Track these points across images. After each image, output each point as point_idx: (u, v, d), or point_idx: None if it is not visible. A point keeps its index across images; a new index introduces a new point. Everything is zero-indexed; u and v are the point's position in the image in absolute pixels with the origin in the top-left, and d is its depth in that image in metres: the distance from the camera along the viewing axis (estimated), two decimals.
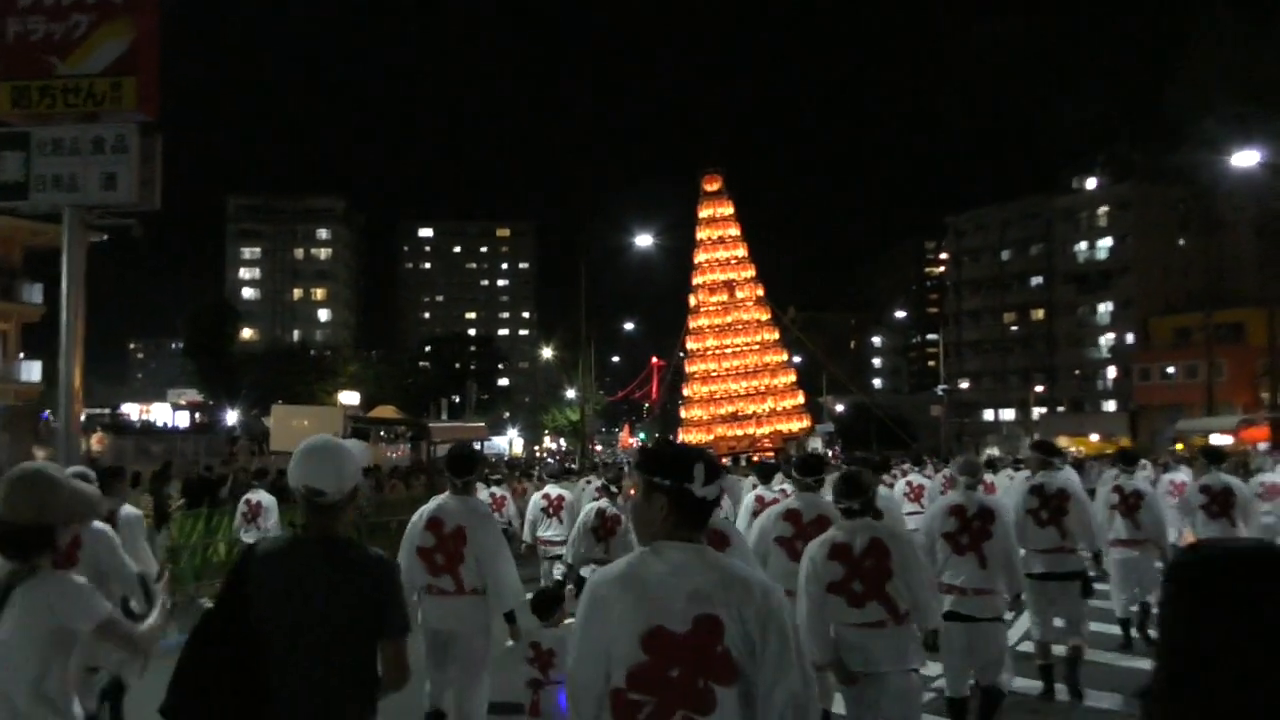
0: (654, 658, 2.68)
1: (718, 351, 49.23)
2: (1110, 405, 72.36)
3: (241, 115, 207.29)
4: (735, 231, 50.29)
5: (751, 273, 49.94)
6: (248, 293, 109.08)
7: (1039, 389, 75.25)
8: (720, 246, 49.82)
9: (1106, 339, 74.88)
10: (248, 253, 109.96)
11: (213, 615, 3.25)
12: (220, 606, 3.26)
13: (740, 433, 47.64)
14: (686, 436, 48.81)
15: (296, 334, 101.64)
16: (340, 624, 3.15)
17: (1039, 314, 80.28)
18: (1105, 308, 74.89)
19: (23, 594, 3.28)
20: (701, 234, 50.24)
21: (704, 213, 50.44)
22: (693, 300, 50.36)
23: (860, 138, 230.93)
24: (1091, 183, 76.73)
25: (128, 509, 7.43)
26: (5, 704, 3.27)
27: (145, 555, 6.98)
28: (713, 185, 50.59)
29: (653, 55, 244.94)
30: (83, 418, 43.67)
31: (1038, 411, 73.52)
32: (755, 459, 25.85)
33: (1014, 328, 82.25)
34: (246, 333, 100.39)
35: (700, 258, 50.27)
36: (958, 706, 6.53)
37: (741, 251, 49.99)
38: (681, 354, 51.02)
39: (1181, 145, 52.81)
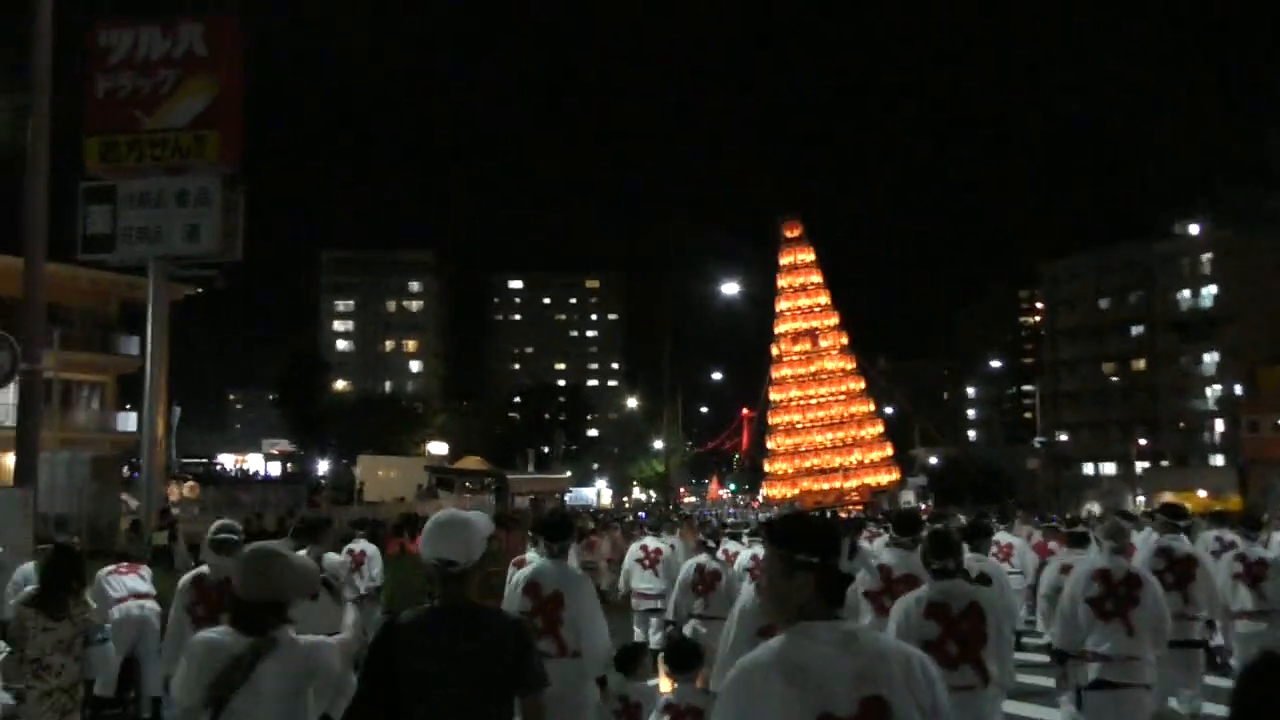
0: None
1: (802, 402, 48.01)
2: (1218, 459, 69.52)
3: (333, 169, 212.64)
4: (817, 279, 49.18)
5: (835, 320, 48.72)
6: (341, 344, 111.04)
7: (1141, 442, 72.64)
8: (802, 294, 48.80)
9: (1213, 390, 72.14)
10: (340, 305, 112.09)
11: (363, 684, 3.52)
12: (369, 675, 3.51)
13: (827, 486, 46.22)
14: (770, 490, 47.68)
15: (388, 385, 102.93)
16: (481, 684, 3.43)
17: (1140, 364, 77.77)
18: (1211, 357, 72.24)
19: (273, 663, 3.57)
20: (782, 281, 49.30)
21: (784, 259, 49.54)
22: (775, 350, 49.30)
23: (953, 183, 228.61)
24: (1194, 228, 74.46)
25: (331, 556, 8.22)
26: None
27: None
28: (793, 232, 49.58)
29: (738, 98, 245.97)
30: (175, 467, 44.22)
31: (1140, 466, 70.94)
32: (843, 514, 24.91)
33: (1114, 378, 79.76)
34: (340, 384, 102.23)
35: (782, 305, 49.29)
36: None
37: (824, 299, 48.82)
38: (766, 405, 49.80)
39: None
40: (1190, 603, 7.72)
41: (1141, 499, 58.81)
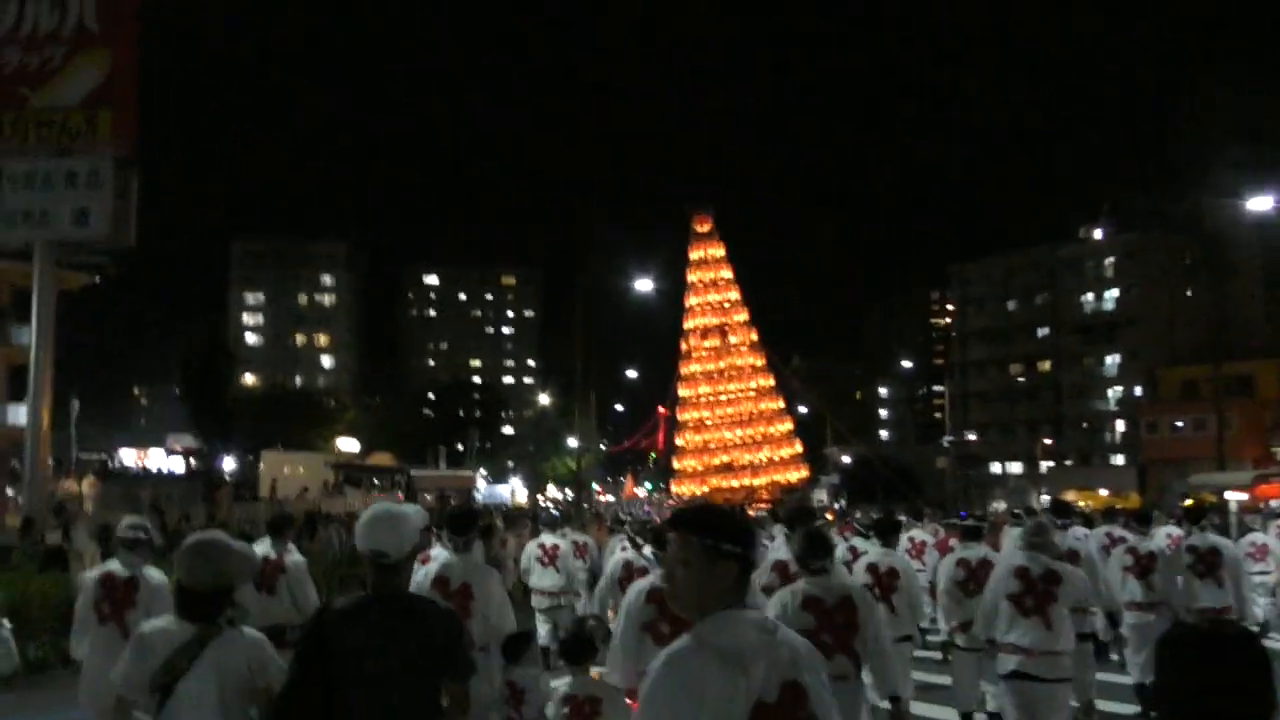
0: None
1: (711, 399, 47.57)
2: (1119, 459, 71.28)
3: (245, 159, 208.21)
4: (728, 274, 48.55)
5: (745, 316, 48.21)
6: (251, 338, 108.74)
7: (1046, 442, 74.23)
8: (712, 289, 48.23)
9: (1114, 391, 74.00)
10: (251, 298, 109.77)
11: (298, 667, 3.55)
12: (303, 658, 3.54)
13: (736, 484, 45.95)
14: (679, 488, 47.34)
15: (299, 379, 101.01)
16: (411, 670, 3.50)
17: (1045, 365, 79.51)
18: (1113, 359, 74.10)
19: (214, 650, 3.65)
20: (692, 276, 48.58)
21: (695, 254, 48.75)
22: (684, 345, 48.63)
23: (865, 184, 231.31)
24: (1098, 232, 76.29)
25: (294, 556, 8.52)
26: None
27: (312, 597, 8.18)
28: (703, 226, 48.87)
29: (656, 94, 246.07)
30: (73, 463, 42.73)
31: (1045, 465, 72.43)
32: (751, 512, 24.75)
33: (1020, 379, 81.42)
34: (249, 378, 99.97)
35: (691, 301, 48.60)
36: None
37: (735, 294, 48.26)
38: (675, 402, 49.29)
39: (1188, 193, 52.36)
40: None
41: (1046, 497, 59.93)
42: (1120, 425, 72.74)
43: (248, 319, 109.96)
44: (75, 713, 7.19)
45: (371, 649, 3.50)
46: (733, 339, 47.67)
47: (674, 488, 48.94)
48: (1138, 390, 70.41)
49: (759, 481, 45.95)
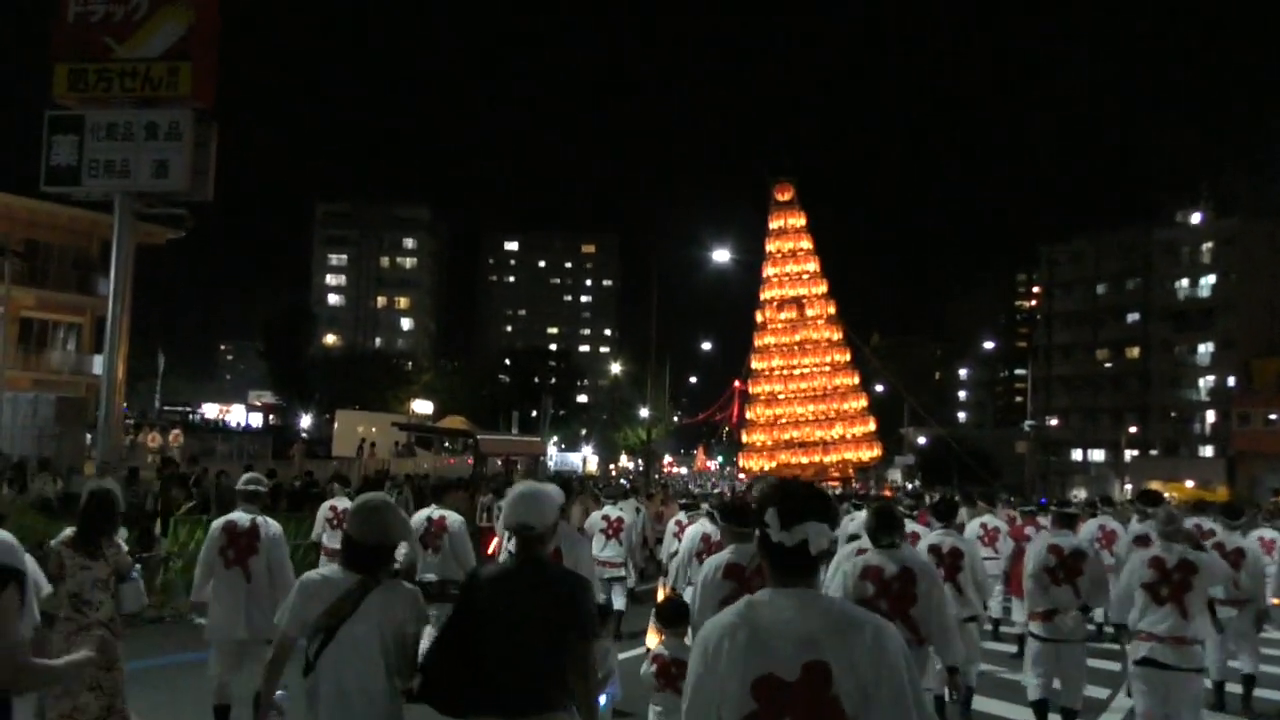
0: (764, 706, 2.67)
1: (784, 372, 46.10)
2: (1207, 450, 69.19)
3: (334, 124, 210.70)
4: (807, 245, 46.85)
5: (823, 289, 46.39)
6: (333, 299, 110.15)
7: (1131, 430, 72.28)
8: (790, 260, 46.62)
9: (1205, 381, 71.70)
10: (334, 259, 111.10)
11: (451, 622, 4.10)
12: (456, 615, 4.10)
13: (805, 460, 44.60)
14: (747, 463, 46.33)
15: (378, 341, 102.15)
16: (543, 627, 3.96)
17: (1134, 352, 77.31)
18: (1205, 348, 71.74)
19: (375, 598, 4.04)
20: (771, 246, 47.00)
21: (774, 224, 47.19)
22: (759, 317, 47.17)
23: (954, 162, 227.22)
24: (1196, 217, 73.74)
25: (454, 517, 9.44)
26: (361, 690, 3.97)
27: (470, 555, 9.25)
28: (784, 195, 47.25)
29: (745, 64, 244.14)
30: (155, 415, 43.53)
31: (1129, 454, 70.59)
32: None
33: (1107, 365, 79.30)
34: (330, 338, 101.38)
35: (769, 271, 46.99)
36: None
37: (813, 265, 46.49)
38: (747, 374, 48.08)
39: None
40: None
41: (1129, 487, 58.48)
42: (1210, 416, 70.51)
43: (330, 280, 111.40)
44: (198, 653, 7.92)
45: (512, 607, 4.00)
46: (810, 311, 46.08)
47: (742, 462, 47.99)
48: (1230, 380, 68.12)
49: (830, 459, 44.57)
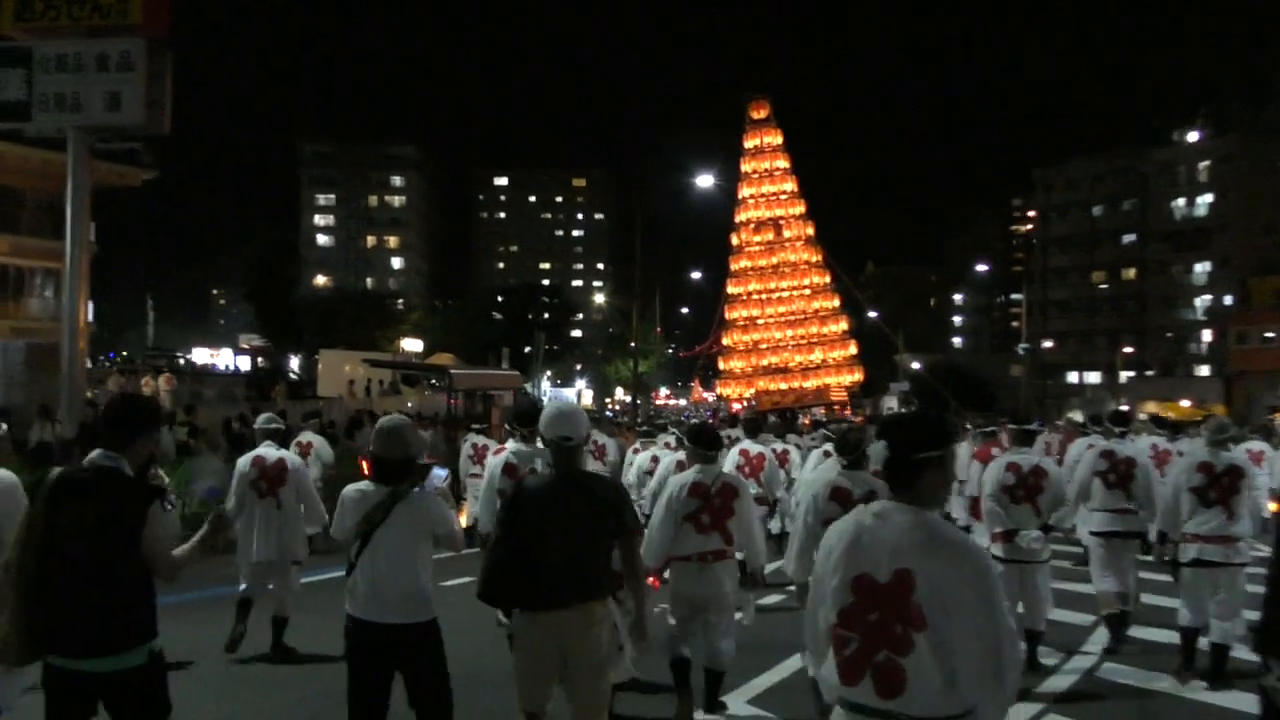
0: (859, 600, 3.03)
1: (761, 296, 44.42)
2: (1204, 370, 68.85)
3: (319, 63, 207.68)
4: (784, 164, 44.73)
5: (801, 209, 44.43)
6: (322, 239, 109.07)
7: (1127, 351, 71.88)
8: (767, 180, 44.54)
9: (1202, 300, 71.23)
10: (321, 199, 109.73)
11: (501, 532, 4.66)
12: (506, 524, 4.64)
13: (785, 386, 43.28)
14: (724, 390, 45.34)
15: (369, 281, 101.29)
16: (593, 530, 4.59)
17: (1130, 273, 76.82)
18: (1202, 267, 71.19)
19: (404, 507, 4.64)
20: (746, 166, 44.91)
21: (749, 143, 45.15)
22: (735, 240, 45.39)
23: (946, 88, 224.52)
24: (1192, 136, 72.70)
25: (512, 444, 8.92)
26: (394, 585, 4.57)
27: None
28: (759, 112, 45.14)
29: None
30: (141, 359, 42.87)
31: (1125, 375, 70.26)
32: (808, 419, 23.39)
33: (1103, 286, 78.83)
34: (320, 279, 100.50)
35: (745, 193, 44.92)
36: (1189, 635, 7.38)
37: (790, 185, 44.33)
38: (723, 299, 46.32)
39: None
40: (1131, 498, 8.46)
41: (1125, 408, 58.16)
42: (1207, 335, 70.11)
43: (319, 220, 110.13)
44: (230, 586, 8.70)
45: (558, 508, 4.57)
46: (787, 233, 44.21)
47: (719, 389, 46.81)
48: (1227, 299, 67.61)
49: (809, 384, 43.07)
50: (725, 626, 6.44)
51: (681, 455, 8.68)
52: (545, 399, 58.44)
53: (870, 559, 3.02)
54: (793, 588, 6.38)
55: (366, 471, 5.04)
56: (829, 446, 10.07)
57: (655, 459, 11.24)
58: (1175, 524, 7.34)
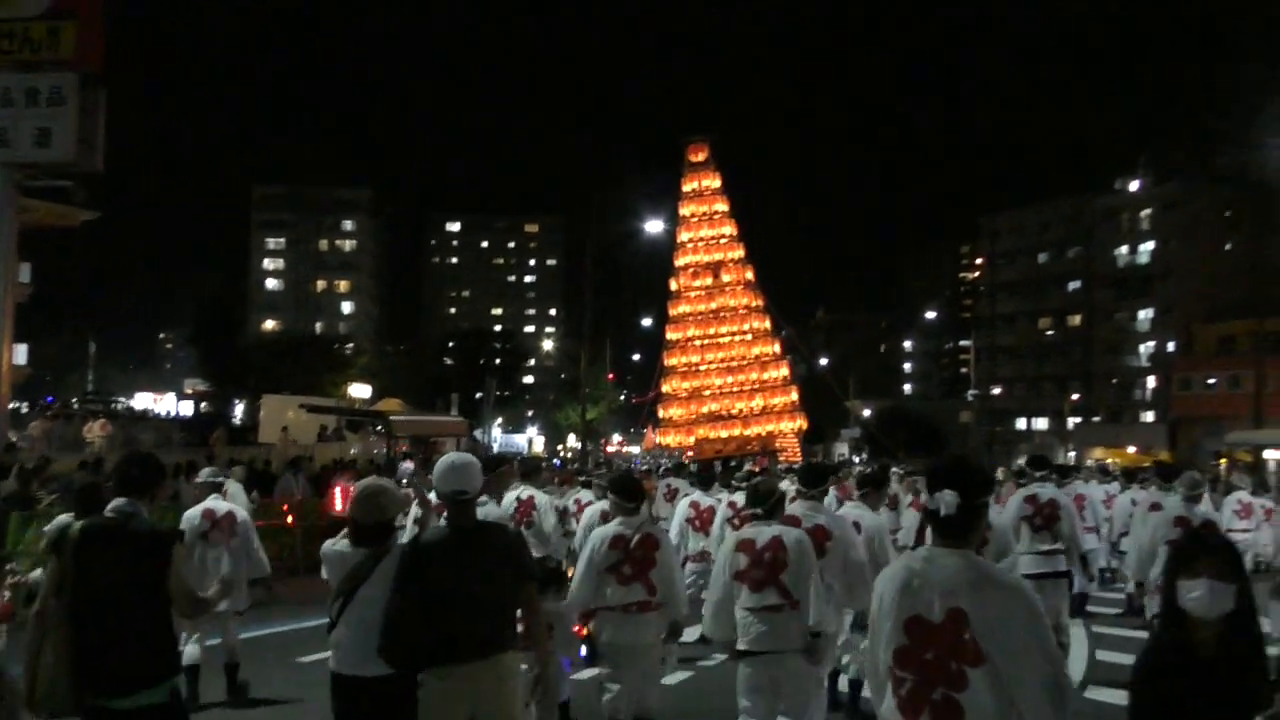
0: (913, 640, 3.23)
1: (701, 342, 43.95)
2: (1149, 416, 69.63)
3: (271, 106, 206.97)
4: (723, 207, 44.20)
5: (740, 253, 44.06)
6: (271, 283, 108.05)
7: (1074, 397, 72.61)
8: (705, 224, 44.15)
9: (1146, 346, 72.10)
10: (272, 243, 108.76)
11: (400, 589, 4.51)
12: (404, 582, 4.52)
13: (725, 434, 42.76)
14: (664, 439, 44.72)
15: (319, 325, 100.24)
16: (494, 582, 4.62)
17: (1076, 319, 77.69)
18: (1146, 314, 72.13)
19: (387, 563, 4.62)
20: (685, 210, 44.48)
21: (687, 186, 44.80)
22: (674, 285, 45.04)
23: (895, 135, 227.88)
24: (1135, 184, 74.03)
25: (541, 495, 9.70)
26: (372, 640, 4.49)
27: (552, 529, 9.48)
28: (698, 155, 44.83)
29: (681, 42, 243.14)
30: (78, 404, 41.79)
31: (1073, 421, 70.90)
32: (750, 466, 22.99)
33: (1049, 333, 79.66)
34: (269, 323, 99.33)
35: (683, 237, 44.45)
36: None
37: (730, 229, 43.77)
38: (663, 346, 45.55)
39: (1230, 144, 50.16)
40: (1056, 539, 8.89)
41: (1073, 454, 58.62)
42: (1151, 381, 70.95)
43: (269, 264, 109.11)
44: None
45: (459, 560, 4.55)
46: (726, 277, 43.70)
47: (657, 438, 46.10)
48: (1171, 346, 68.54)
49: (750, 432, 42.47)
50: (651, 676, 6.45)
51: (604, 504, 8.50)
52: (495, 446, 57.77)
53: (922, 601, 3.23)
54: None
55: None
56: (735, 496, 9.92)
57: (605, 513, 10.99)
58: (1147, 573, 7.80)
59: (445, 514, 4.83)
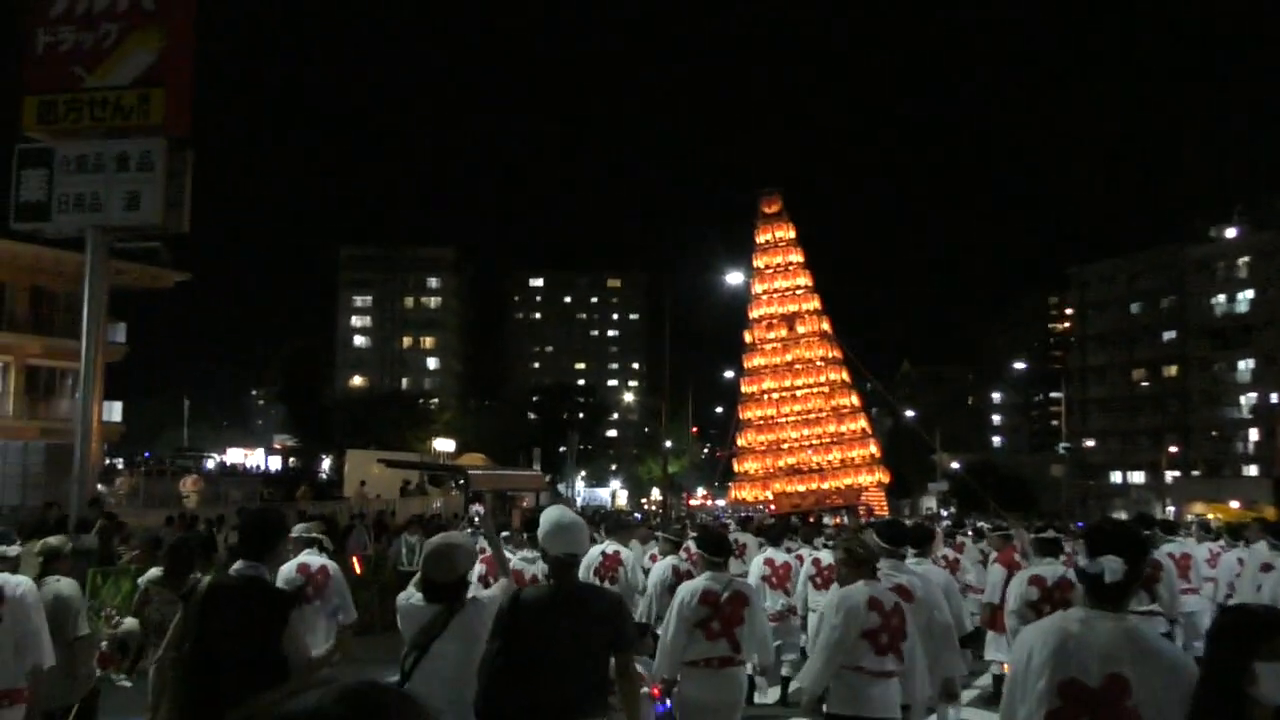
0: (1067, 704, 3.22)
1: (777, 395, 43.44)
2: (1252, 469, 67.10)
3: (355, 167, 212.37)
4: (798, 258, 44.00)
5: (816, 304, 43.66)
6: (358, 340, 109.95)
7: (1172, 450, 70.32)
8: (780, 275, 44.02)
9: (1248, 398, 69.69)
10: (359, 300, 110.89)
11: (498, 644, 4.66)
12: (504, 636, 4.66)
13: (803, 488, 42.02)
14: (739, 493, 44.21)
15: (405, 382, 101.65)
16: (589, 639, 4.63)
17: (1171, 370, 75.49)
18: (1245, 364, 69.82)
19: (460, 619, 4.64)
20: (759, 262, 44.25)
21: (761, 238, 44.60)
22: (748, 338, 44.64)
23: (983, 185, 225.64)
24: (1230, 231, 72.05)
25: (626, 550, 10.15)
26: (449, 698, 4.50)
27: (642, 580, 9.65)
28: (772, 207, 44.64)
29: (750, 91, 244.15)
30: (171, 461, 42.64)
31: (1170, 475, 68.63)
32: (832, 520, 22.48)
33: (1144, 384, 77.47)
34: (356, 380, 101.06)
35: (757, 289, 44.30)
36: None
37: (804, 280, 43.52)
38: (738, 399, 45.20)
39: None
40: (1155, 599, 8.68)
41: (1171, 509, 56.71)
42: (1254, 434, 68.46)
43: (355, 321, 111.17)
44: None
45: (558, 622, 4.58)
46: (801, 329, 43.15)
47: (733, 492, 45.58)
48: (1274, 397, 66.13)
49: (827, 485, 41.65)
50: None
51: (674, 561, 8.63)
52: (578, 500, 57.70)
53: (1077, 664, 3.22)
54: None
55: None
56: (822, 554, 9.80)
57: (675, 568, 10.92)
58: None
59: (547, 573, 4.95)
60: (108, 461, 37.98)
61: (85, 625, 6.61)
